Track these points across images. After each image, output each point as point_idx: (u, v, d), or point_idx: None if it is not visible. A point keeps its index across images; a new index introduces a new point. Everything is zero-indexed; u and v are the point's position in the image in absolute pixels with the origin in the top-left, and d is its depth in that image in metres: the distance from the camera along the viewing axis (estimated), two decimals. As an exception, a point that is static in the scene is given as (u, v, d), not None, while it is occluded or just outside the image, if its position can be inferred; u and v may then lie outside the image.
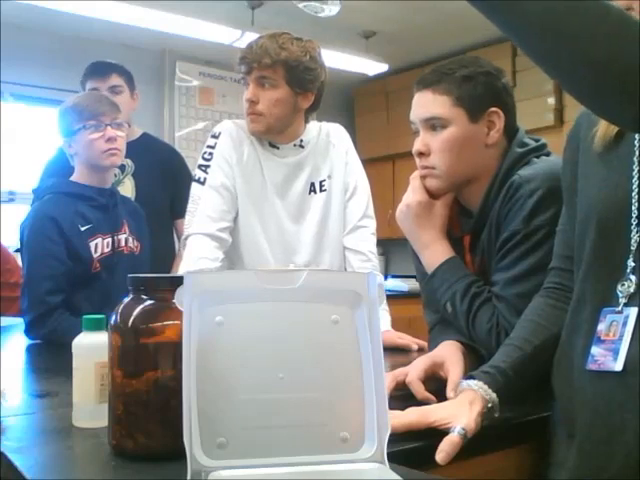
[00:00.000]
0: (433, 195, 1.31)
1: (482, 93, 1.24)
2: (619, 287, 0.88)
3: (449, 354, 1.17)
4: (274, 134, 1.84)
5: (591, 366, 0.88)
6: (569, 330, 0.96)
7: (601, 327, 0.89)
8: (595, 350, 0.88)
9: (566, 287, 1.04)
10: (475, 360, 1.19)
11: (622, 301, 0.88)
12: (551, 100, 4.28)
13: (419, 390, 1.07)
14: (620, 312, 0.88)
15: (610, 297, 0.89)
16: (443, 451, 0.83)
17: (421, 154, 1.26)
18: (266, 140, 1.86)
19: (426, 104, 1.25)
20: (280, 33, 1.79)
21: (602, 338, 0.88)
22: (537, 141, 1.29)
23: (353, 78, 4.92)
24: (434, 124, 1.25)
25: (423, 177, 1.29)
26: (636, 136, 0.90)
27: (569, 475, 0.91)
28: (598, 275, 0.91)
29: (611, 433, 0.85)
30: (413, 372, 1.10)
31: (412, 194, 1.32)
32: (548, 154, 1.27)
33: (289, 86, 1.78)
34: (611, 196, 0.90)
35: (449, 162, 1.25)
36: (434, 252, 1.30)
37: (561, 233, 1.07)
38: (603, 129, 0.93)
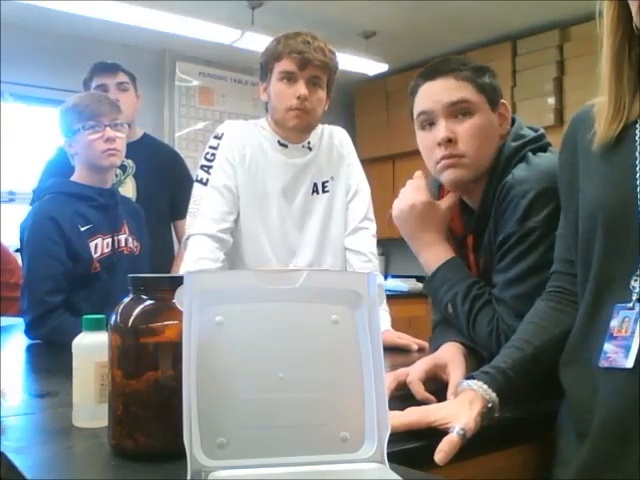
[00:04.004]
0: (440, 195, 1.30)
1: (494, 84, 1.26)
2: (632, 283, 0.87)
3: (451, 356, 1.16)
4: (306, 132, 1.87)
5: (603, 362, 0.88)
6: (585, 331, 0.94)
7: (614, 323, 0.88)
8: (607, 346, 0.88)
9: (567, 290, 1.04)
10: (476, 362, 1.18)
11: (635, 297, 0.87)
12: (551, 100, 4.28)
13: (419, 390, 1.07)
14: (632, 308, 0.87)
15: (627, 294, 0.88)
16: (442, 451, 0.83)
17: (449, 141, 1.21)
18: (276, 138, 1.86)
19: (451, 89, 1.22)
20: (317, 36, 1.81)
21: (614, 334, 0.87)
22: (536, 131, 1.28)
23: (353, 78, 4.92)
24: (459, 109, 1.22)
25: (447, 167, 1.23)
26: (637, 132, 0.90)
27: (579, 474, 0.90)
28: (613, 274, 0.90)
29: (626, 430, 0.85)
30: (414, 372, 1.10)
31: (415, 193, 1.30)
32: (546, 146, 1.26)
33: (326, 89, 1.84)
34: (615, 193, 0.90)
35: (479, 149, 1.22)
36: (434, 253, 1.29)
37: (560, 237, 1.06)
38: (604, 128, 0.92)
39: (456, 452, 0.84)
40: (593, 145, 0.94)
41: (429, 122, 1.25)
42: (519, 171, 1.19)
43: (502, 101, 1.27)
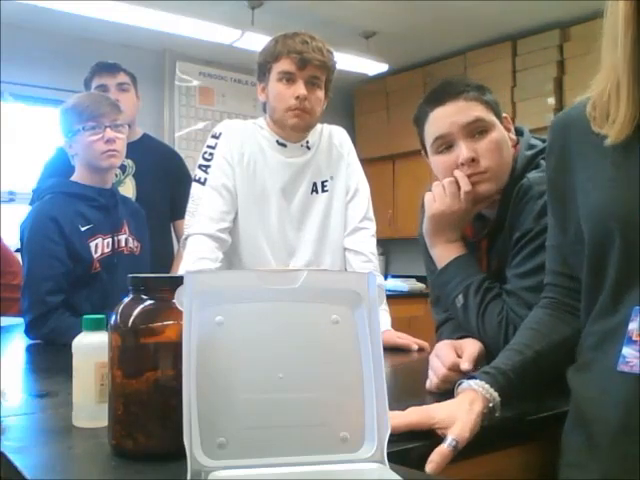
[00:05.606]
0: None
1: (495, 100, 1.31)
2: None
3: (465, 340, 1.22)
4: (305, 132, 1.87)
5: (622, 367, 0.86)
6: (600, 334, 0.93)
7: (632, 326, 0.86)
8: (627, 351, 0.86)
9: (562, 302, 1.04)
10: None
11: None
12: (551, 100, 4.28)
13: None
14: None
15: None
16: (433, 462, 0.84)
17: (472, 160, 1.25)
18: (274, 138, 1.86)
19: (463, 111, 1.26)
20: (315, 36, 1.82)
21: (634, 338, 0.86)
22: (544, 141, 1.30)
23: (353, 78, 4.92)
24: (475, 129, 1.25)
25: (473, 184, 1.26)
26: None
27: (591, 475, 0.90)
28: (632, 277, 0.88)
29: None
30: (447, 359, 1.13)
31: (457, 200, 1.28)
32: None
33: (324, 89, 1.84)
34: (626, 196, 0.87)
35: (499, 162, 1.26)
36: (450, 247, 1.32)
37: (553, 249, 1.05)
38: (623, 127, 0.88)
39: (447, 462, 0.84)
40: (604, 144, 0.91)
41: (447, 145, 1.28)
42: (534, 174, 1.23)
43: (504, 115, 1.32)
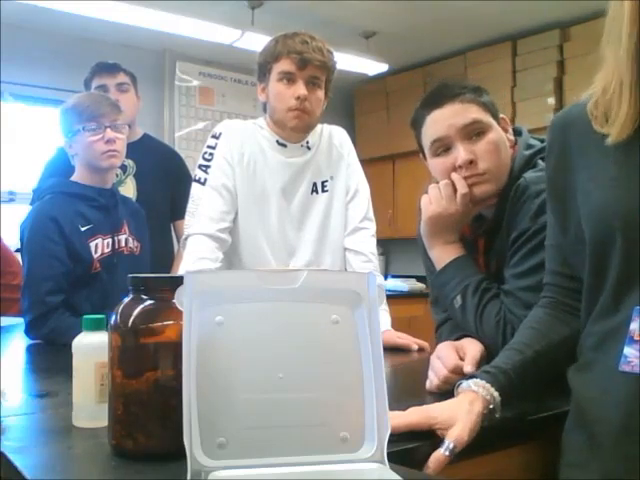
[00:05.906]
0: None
1: (492, 101, 1.31)
2: None
3: (466, 340, 1.22)
4: (305, 132, 1.87)
5: (624, 367, 0.86)
6: (601, 334, 0.92)
7: (634, 326, 0.86)
8: (628, 351, 0.86)
9: (561, 302, 1.04)
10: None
11: None
12: (551, 100, 4.28)
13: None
14: None
15: None
16: (428, 468, 0.85)
17: (471, 162, 1.25)
18: (274, 138, 1.87)
19: (460, 113, 1.26)
20: (315, 36, 1.82)
21: (635, 338, 0.86)
22: (542, 141, 1.30)
23: (353, 78, 4.92)
24: (473, 130, 1.25)
25: (471, 185, 1.26)
26: None
27: (592, 475, 0.90)
28: (633, 277, 0.88)
29: None
30: (449, 362, 1.13)
31: (453, 202, 1.28)
32: None
33: (324, 89, 1.84)
34: (629, 195, 0.87)
35: (498, 164, 1.26)
36: (448, 249, 1.32)
37: (552, 249, 1.05)
38: (623, 127, 0.88)
39: (443, 466, 0.85)
40: (605, 143, 0.91)
41: (444, 148, 1.28)
42: (531, 173, 1.23)
43: (501, 116, 1.32)
